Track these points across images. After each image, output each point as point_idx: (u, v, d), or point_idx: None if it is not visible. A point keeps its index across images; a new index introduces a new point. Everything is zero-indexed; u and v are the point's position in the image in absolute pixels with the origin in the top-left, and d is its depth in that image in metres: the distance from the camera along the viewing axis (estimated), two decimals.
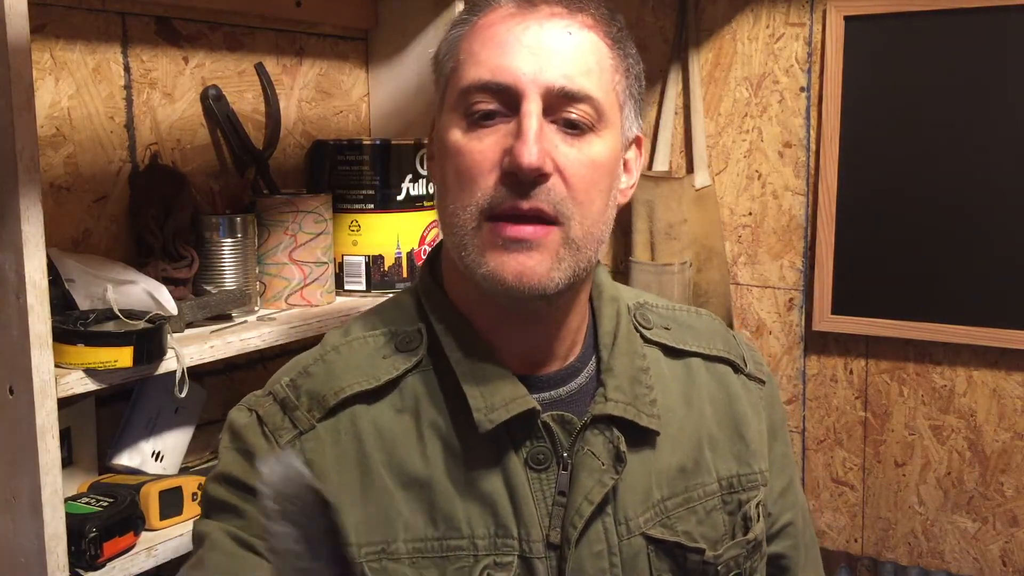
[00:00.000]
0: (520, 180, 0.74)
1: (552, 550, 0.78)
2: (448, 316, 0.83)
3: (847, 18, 1.91)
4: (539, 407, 0.79)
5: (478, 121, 0.76)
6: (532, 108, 0.74)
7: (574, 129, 0.76)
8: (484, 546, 0.77)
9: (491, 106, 0.76)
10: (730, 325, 2.06)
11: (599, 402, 0.81)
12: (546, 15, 0.77)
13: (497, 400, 0.78)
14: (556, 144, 0.75)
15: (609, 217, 0.81)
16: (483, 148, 0.76)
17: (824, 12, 1.93)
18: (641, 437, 0.82)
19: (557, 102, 0.75)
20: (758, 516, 0.88)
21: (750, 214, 2.06)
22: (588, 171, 0.77)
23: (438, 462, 0.79)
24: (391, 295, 0.91)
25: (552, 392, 0.83)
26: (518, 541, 0.78)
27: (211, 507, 0.80)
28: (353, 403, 0.80)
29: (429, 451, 0.79)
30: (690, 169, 2.08)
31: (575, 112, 0.76)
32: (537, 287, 0.75)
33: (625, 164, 0.85)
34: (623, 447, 0.81)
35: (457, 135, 0.77)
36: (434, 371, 0.81)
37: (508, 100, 0.75)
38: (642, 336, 0.89)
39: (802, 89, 1.99)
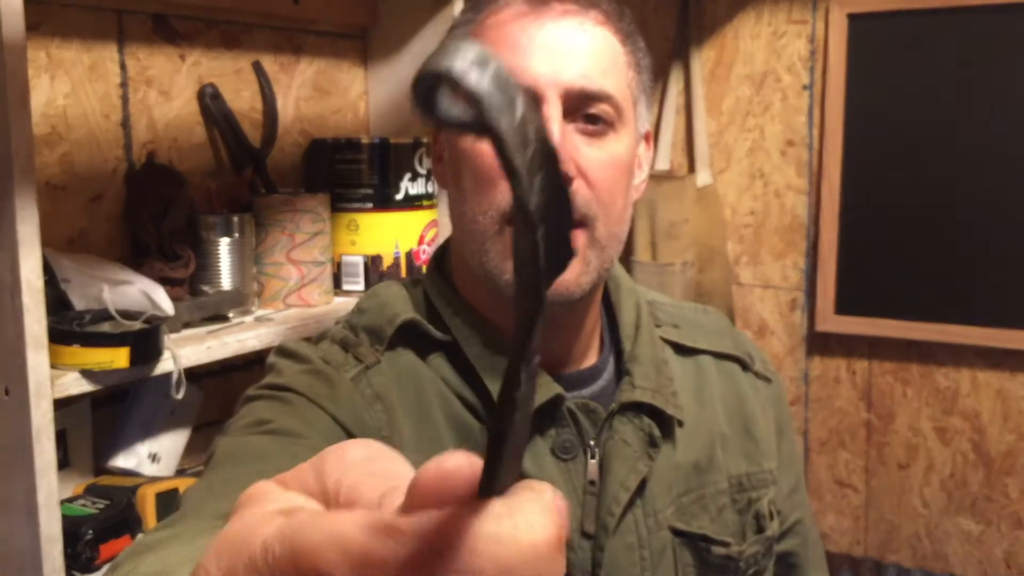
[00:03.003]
0: None
1: (587, 540, 0.77)
2: (463, 313, 0.81)
3: (850, 16, 1.89)
4: (564, 393, 0.78)
5: None
6: (553, 112, 0.73)
7: (594, 126, 0.75)
8: None
9: None
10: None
11: (626, 389, 0.80)
12: (559, 13, 0.76)
13: None
14: (577, 146, 0.74)
15: (628, 216, 0.80)
16: None
17: (827, 9, 1.92)
18: (663, 429, 0.82)
19: (576, 103, 0.74)
20: (771, 514, 0.88)
21: (752, 213, 2.05)
22: (610, 171, 0.76)
23: (477, 428, 0.77)
24: (375, 293, 0.86)
25: (576, 392, 0.81)
26: None
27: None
28: (410, 335, 0.78)
29: (470, 419, 0.78)
30: (692, 168, 2.07)
31: (595, 111, 0.75)
32: (565, 293, 0.74)
33: (637, 160, 0.84)
34: (656, 432, 0.80)
35: (472, 138, 0.76)
36: (452, 368, 0.80)
37: None
38: None
39: (805, 87, 1.97)
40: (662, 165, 2.08)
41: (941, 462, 1.93)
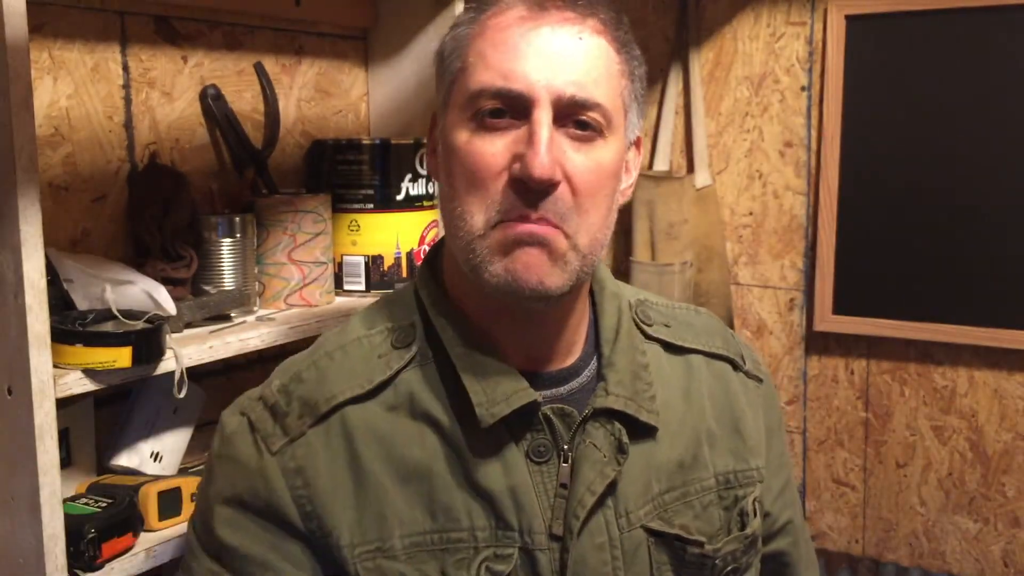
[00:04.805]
0: (530, 188, 0.75)
1: (555, 542, 0.79)
2: (448, 312, 0.83)
3: (848, 17, 1.90)
4: (540, 399, 0.80)
5: (487, 123, 0.77)
6: (543, 117, 0.75)
7: (583, 132, 0.77)
8: (484, 538, 0.78)
9: (500, 106, 0.76)
10: (730, 325, 2.05)
11: (600, 395, 0.82)
12: (557, 20, 0.77)
13: (498, 394, 0.79)
14: (565, 151, 0.76)
15: (611, 220, 0.82)
16: (494, 151, 0.76)
17: (825, 11, 1.92)
18: (641, 431, 0.84)
19: (567, 109, 0.76)
20: (755, 512, 0.89)
21: (751, 214, 2.06)
22: (595, 177, 0.77)
23: (437, 454, 0.79)
24: (396, 288, 0.91)
25: (553, 390, 0.83)
26: (519, 534, 0.78)
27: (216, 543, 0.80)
28: (344, 406, 0.80)
29: (427, 444, 0.79)
30: (691, 169, 2.08)
31: (584, 118, 0.77)
32: (540, 287, 0.76)
33: (625, 165, 0.85)
34: (625, 439, 0.82)
35: (465, 136, 0.78)
36: (434, 365, 0.82)
37: (519, 106, 0.76)
38: (643, 332, 0.90)
39: (803, 88, 1.98)
40: (661, 166, 2.08)
41: (939, 461, 1.94)
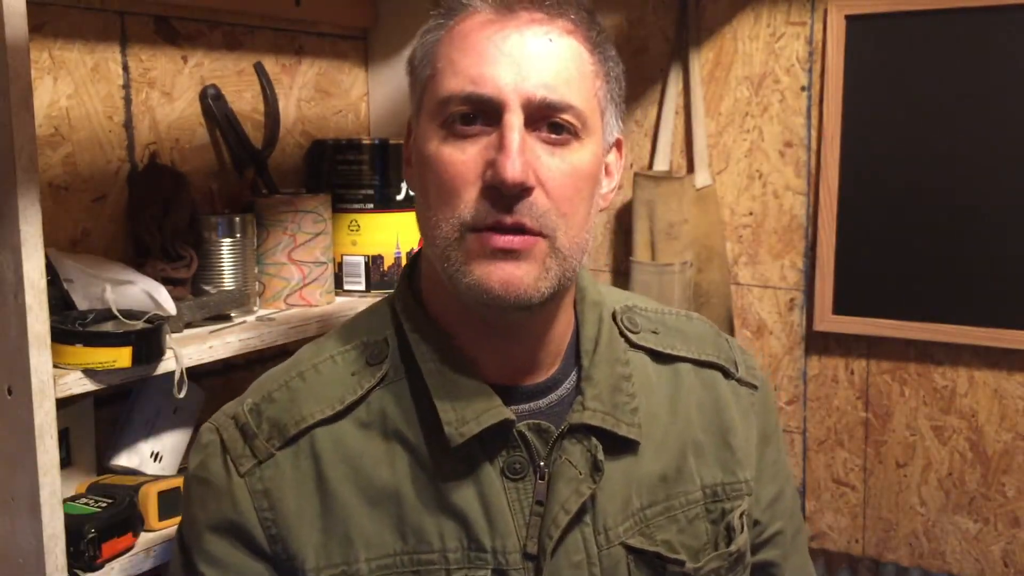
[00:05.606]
0: (503, 194, 0.73)
1: (530, 560, 0.77)
2: (423, 327, 0.81)
3: (848, 17, 1.90)
4: (513, 417, 0.78)
5: (458, 129, 0.75)
6: (514, 121, 0.73)
7: (557, 136, 0.75)
8: (456, 559, 0.77)
9: (470, 112, 0.75)
10: (730, 326, 2.05)
11: (577, 411, 0.81)
12: (525, 22, 0.75)
13: (469, 413, 0.77)
14: (538, 155, 0.74)
15: (591, 225, 0.80)
16: (464, 159, 0.74)
17: (825, 11, 1.92)
18: (622, 445, 0.82)
19: (539, 112, 0.74)
20: (742, 527, 0.87)
21: (751, 214, 2.06)
22: (571, 181, 0.75)
23: (407, 475, 0.78)
24: (373, 301, 0.90)
25: (532, 404, 0.82)
26: (492, 554, 0.77)
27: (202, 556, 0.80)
28: (314, 428, 0.79)
29: (397, 464, 0.78)
30: (691, 169, 2.08)
31: (557, 120, 0.75)
32: (523, 296, 0.74)
33: (606, 168, 0.83)
34: (600, 456, 0.80)
35: (436, 145, 0.76)
36: (407, 381, 0.80)
37: (489, 110, 0.74)
38: (628, 341, 0.88)
39: (803, 88, 1.98)
40: (661, 166, 2.08)
41: (939, 461, 1.94)
